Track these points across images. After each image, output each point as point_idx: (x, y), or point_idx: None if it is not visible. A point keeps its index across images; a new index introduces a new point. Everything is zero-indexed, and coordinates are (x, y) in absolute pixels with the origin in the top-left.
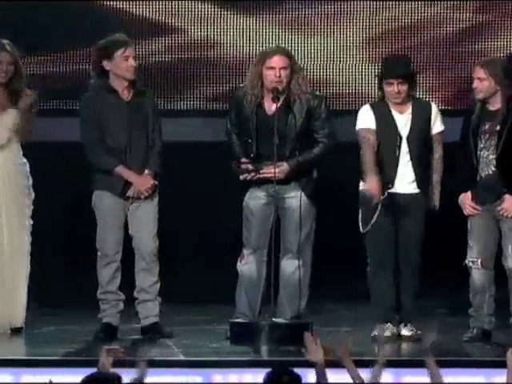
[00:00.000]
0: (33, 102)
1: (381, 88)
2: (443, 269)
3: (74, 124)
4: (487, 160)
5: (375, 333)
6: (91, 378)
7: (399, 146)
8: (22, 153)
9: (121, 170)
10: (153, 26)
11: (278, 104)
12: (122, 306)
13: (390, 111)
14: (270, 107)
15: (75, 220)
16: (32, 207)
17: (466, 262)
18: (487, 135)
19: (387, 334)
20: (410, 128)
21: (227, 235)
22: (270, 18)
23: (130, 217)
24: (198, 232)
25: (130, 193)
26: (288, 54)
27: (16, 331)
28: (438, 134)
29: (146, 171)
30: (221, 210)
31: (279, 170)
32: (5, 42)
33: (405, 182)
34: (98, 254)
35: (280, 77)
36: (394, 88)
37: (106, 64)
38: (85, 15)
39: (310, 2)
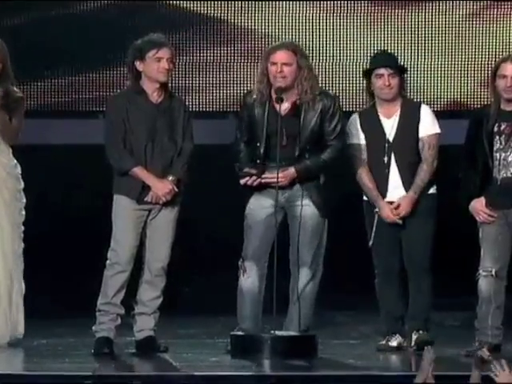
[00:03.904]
0: (20, 102)
1: (368, 88)
2: (455, 278)
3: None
4: (506, 162)
5: (382, 342)
6: None
7: (388, 153)
8: (11, 155)
9: (139, 171)
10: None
11: (286, 104)
12: (119, 321)
13: (378, 117)
14: (281, 108)
15: (66, 228)
16: (24, 212)
17: (480, 271)
18: (504, 136)
19: (393, 344)
20: (396, 132)
21: (226, 245)
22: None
23: (147, 225)
24: (196, 243)
25: (147, 198)
26: (294, 50)
27: (14, 344)
28: (427, 136)
29: (170, 177)
30: (224, 218)
31: (283, 174)
32: None
33: (400, 189)
34: (108, 262)
35: (281, 72)
36: (384, 80)
37: (138, 65)
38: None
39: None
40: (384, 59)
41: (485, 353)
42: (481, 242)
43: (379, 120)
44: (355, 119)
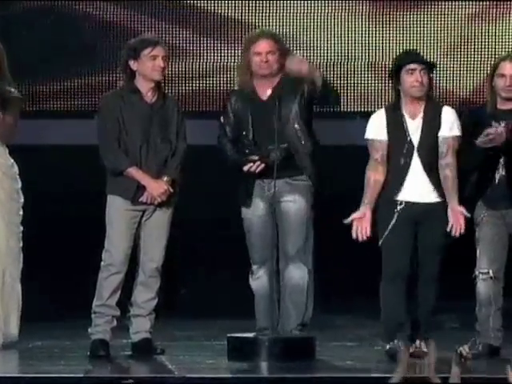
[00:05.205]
0: (16, 101)
1: (395, 85)
2: (454, 279)
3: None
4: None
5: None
6: None
7: (410, 155)
8: (8, 154)
9: (134, 171)
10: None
11: (269, 91)
12: (115, 322)
13: (403, 117)
14: (264, 93)
15: (63, 228)
16: (21, 212)
17: (476, 273)
18: None
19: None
20: (421, 135)
21: (225, 247)
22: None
23: (141, 226)
24: (194, 244)
25: (142, 198)
26: (274, 37)
27: (8, 346)
28: (445, 138)
29: (165, 178)
30: (222, 219)
31: None
32: None
33: (421, 191)
34: (102, 263)
35: (267, 62)
36: (416, 76)
37: (132, 64)
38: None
39: None
40: (415, 55)
41: (465, 349)
42: (476, 243)
43: (403, 120)
44: (381, 115)
